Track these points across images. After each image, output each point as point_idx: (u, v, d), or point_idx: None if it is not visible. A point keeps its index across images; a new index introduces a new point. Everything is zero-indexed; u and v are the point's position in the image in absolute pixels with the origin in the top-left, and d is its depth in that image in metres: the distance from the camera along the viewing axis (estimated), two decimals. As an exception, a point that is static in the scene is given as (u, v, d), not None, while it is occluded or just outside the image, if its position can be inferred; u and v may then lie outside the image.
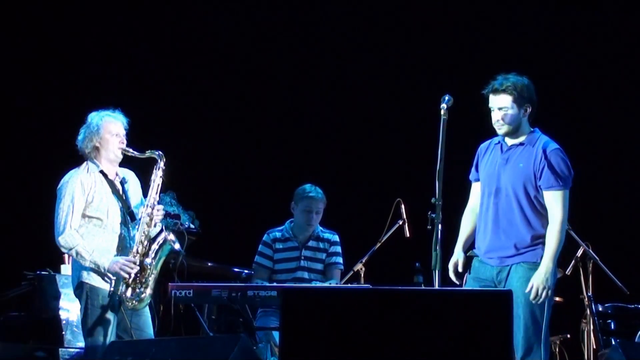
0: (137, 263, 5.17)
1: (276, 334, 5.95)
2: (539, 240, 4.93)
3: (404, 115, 8.02)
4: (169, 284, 5.58)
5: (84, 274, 5.21)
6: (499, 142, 5.12)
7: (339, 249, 6.52)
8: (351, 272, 6.32)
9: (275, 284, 5.98)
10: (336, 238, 6.54)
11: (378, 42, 8.32)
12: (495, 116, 5.03)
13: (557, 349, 7.26)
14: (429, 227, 4.77)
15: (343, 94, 8.33)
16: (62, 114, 7.92)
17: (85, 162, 5.36)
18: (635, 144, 7.95)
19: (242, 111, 8.43)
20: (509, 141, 5.05)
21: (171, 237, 5.28)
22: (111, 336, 5.12)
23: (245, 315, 5.90)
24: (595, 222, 7.50)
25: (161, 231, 5.33)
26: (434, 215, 4.74)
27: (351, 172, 8.20)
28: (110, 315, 5.16)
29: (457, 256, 5.11)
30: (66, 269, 6.58)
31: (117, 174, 5.41)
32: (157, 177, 5.37)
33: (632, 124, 7.96)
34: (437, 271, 4.60)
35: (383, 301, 3.87)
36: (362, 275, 6.26)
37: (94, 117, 5.39)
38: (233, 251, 7.07)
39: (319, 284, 6.26)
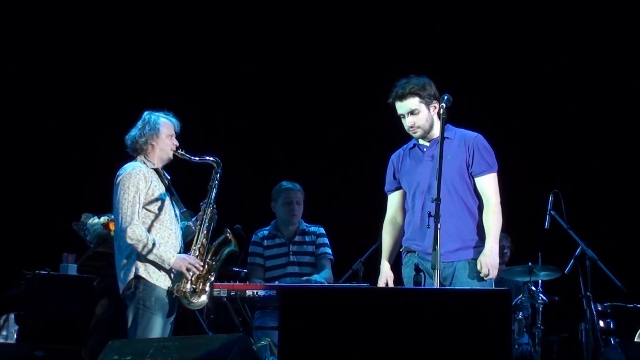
0: (203, 264, 5.23)
1: (275, 334, 5.95)
2: (481, 234, 4.93)
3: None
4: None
5: (141, 268, 5.14)
6: (413, 145, 5.13)
7: (326, 240, 6.64)
8: (350, 272, 6.32)
9: (275, 283, 5.99)
10: (322, 230, 6.67)
11: (376, 39, 8.32)
12: (408, 122, 5.03)
13: (556, 349, 7.27)
14: (427, 227, 4.77)
15: (341, 91, 8.32)
16: (61, 114, 7.94)
17: (140, 157, 5.37)
18: (635, 144, 7.96)
19: (241, 110, 8.43)
20: (426, 142, 5.05)
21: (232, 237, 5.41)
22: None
23: (244, 315, 5.90)
24: (594, 221, 7.50)
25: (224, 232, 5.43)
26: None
27: (350, 171, 8.19)
28: (162, 317, 5.16)
29: (386, 275, 5.08)
30: (65, 268, 6.57)
31: (164, 174, 5.45)
32: (215, 183, 5.42)
33: (633, 124, 7.97)
34: (437, 271, 4.59)
35: (382, 301, 3.88)
36: (361, 274, 6.26)
37: (151, 115, 5.41)
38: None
39: (312, 278, 6.32)
